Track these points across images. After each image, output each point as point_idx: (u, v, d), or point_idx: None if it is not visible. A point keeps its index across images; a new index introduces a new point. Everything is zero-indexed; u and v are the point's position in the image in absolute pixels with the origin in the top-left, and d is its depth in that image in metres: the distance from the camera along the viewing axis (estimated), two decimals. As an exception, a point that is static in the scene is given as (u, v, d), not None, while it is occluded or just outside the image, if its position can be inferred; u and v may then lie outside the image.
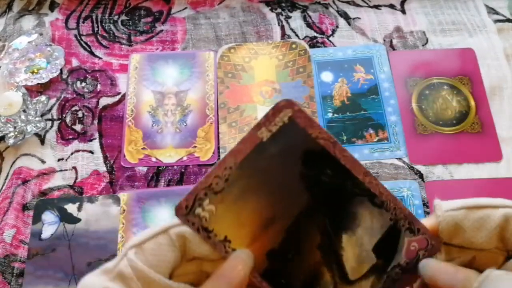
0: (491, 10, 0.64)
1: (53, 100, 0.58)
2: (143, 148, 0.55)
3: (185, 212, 0.26)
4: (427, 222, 0.29)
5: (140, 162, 0.54)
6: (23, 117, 0.56)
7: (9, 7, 0.66)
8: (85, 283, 0.25)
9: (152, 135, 0.55)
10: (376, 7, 0.64)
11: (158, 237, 0.26)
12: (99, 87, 0.59)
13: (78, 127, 0.57)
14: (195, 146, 0.54)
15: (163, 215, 0.50)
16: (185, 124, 0.56)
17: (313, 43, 0.61)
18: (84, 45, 0.62)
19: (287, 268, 0.27)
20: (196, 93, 0.58)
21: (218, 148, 0.54)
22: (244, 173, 0.26)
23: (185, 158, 0.54)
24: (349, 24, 0.63)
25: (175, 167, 0.54)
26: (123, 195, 0.51)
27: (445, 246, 0.29)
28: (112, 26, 0.64)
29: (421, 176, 0.52)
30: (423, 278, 0.28)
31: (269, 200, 0.27)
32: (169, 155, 0.54)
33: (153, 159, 0.54)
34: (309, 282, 0.27)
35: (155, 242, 0.26)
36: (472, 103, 0.57)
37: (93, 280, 0.25)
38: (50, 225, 0.50)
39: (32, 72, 0.59)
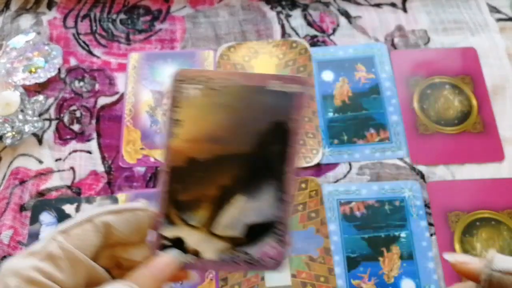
0: (493, 9, 0.63)
1: (51, 100, 0.58)
2: (141, 148, 0.54)
3: (181, 80, 0.30)
4: (471, 262, 0.28)
5: (139, 162, 0.53)
6: (20, 117, 0.55)
7: (7, 5, 0.65)
8: (11, 265, 0.25)
9: (151, 135, 0.55)
10: (377, 5, 0.64)
11: (84, 224, 0.27)
12: (97, 86, 0.59)
13: (76, 127, 0.56)
14: (194, 146, 0.54)
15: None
16: (184, 124, 0.55)
17: (314, 42, 0.61)
18: (82, 44, 0.62)
19: (189, 178, 0.31)
20: (195, 93, 0.57)
21: (218, 148, 0.54)
22: (234, 94, 0.30)
23: (184, 158, 0.53)
24: (350, 22, 0.62)
25: (174, 167, 0.53)
26: (122, 196, 0.51)
27: None
28: (110, 25, 0.63)
29: (422, 176, 0.52)
30: None
31: (230, 126, 0.31)
32: (168, 155, 0.53)
33: (152, 159, 0.53)
34: (190, 204, 0.31)
35: (81, 229, 0.27)
36: (474, 102, 0.56)
37: (19, 261, 0.25)
38: (47, 226, 0.50)
39: (30, 72, 0.58)
